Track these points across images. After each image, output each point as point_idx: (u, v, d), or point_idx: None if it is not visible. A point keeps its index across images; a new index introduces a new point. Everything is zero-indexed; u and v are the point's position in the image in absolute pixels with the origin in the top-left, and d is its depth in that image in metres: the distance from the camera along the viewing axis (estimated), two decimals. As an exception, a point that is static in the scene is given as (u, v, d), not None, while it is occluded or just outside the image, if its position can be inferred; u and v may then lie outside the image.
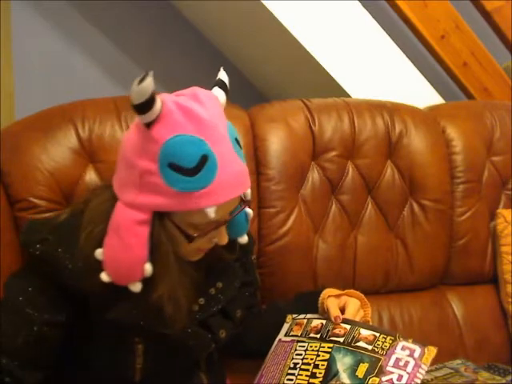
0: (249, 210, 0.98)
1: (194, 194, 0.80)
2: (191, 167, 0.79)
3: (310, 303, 1.09)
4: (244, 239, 1.00)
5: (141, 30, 2.20)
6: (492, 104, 1.66)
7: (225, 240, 0.90)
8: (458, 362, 1.35)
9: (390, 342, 0.95)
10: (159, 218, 0.84)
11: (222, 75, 0.92)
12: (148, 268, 0.85)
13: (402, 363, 0.91)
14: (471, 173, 1.50)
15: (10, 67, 1.97)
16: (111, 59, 2.18)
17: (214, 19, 2.07)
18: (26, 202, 1.13)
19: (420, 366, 0.91)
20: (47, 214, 1.11)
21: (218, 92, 0.89)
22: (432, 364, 1.29)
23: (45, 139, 1.16)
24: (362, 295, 1.07)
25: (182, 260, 0.89)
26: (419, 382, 0.89)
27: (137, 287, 0.86)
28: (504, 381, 1.27)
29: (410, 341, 0.95)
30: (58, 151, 1.17)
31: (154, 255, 0.85)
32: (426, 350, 0.93)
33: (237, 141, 0.87)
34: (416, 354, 0.92)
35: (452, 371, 1.29)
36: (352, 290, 1.07)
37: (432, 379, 1.24)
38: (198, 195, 0.80)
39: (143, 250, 0.84)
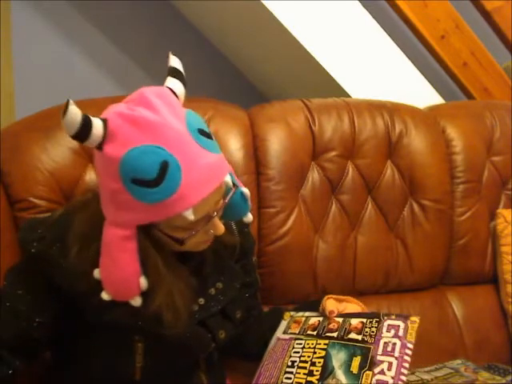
0: (244, 190, 0.95)
1: (166, 202, 0.77)
2: (153, 178, 0.76)
3: (312, 309, 1.09)
4: (248, 218, 0.98)
5: (141, 30, 2.20)
6: (492, 104, 1.66)
7: (220, 230, 0.88)
8: (458, 362, 1.35)
9: (376, 324, 0.96)
10: (144, 230, 0.83)
11: (174, 62, 0.86)
12: (143, 282, 0.84)
13: (389, 348, 0.92)
14: (471, 173, 1.50)
15: (10, 67, 1.96)
16: (111, 59, 2.18)
17: (214, 19, 2.07)
18: (26, 202, 1.13)
19: (406, 346, 0.92)
20: (46, 214, 1.11)
21: (171, 83, 0.84)
22: (432, 364, 1.31)
23: (45, 139, 1.17)
24: (362, 305, 1.07)
25: (175, 266, 0.88)
26: (407, 365, 0.90)
27: (137, 302, 0.86)
28: (504, 381, 1.27)
29: (393, 316, 0.97)
30: (58, 151, 1.17)
31: (144, 268, 0.85)
32: (408, 323, 0.94)
33: (201, 131, 0.81)
34: (401, 332, 0.93)
35: (452, 371, 1.29)
36: (352, 298, 1.08)
37: (432, 379, 1.24)
38: (170, 202, 0.78)
39: (135, 264, 0.83)
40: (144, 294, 0.86)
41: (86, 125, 0.75)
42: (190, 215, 0.79)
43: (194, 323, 0.96)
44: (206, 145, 0.81)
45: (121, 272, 0.84)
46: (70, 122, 0.74)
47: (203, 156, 0.80)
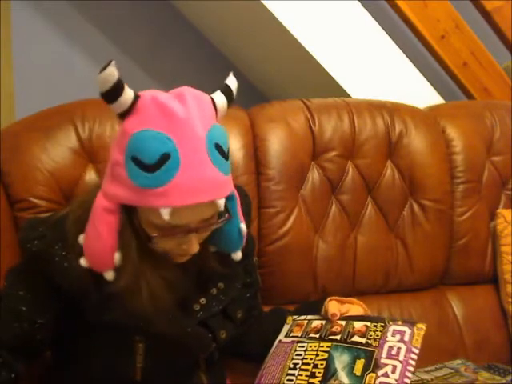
0: (242, 226, 0.94)
1: (151, 191, 0.78)
2: (151, 164, 0.77)
3: (313, 310, 1.09)
4: (237, 256, 0.97)
5: (141, 30, 2.20)
6: (492, 104, 1.66)
7: (193, 250, 0.86)
8: (458, 362, 1.35)
9: (381, 328, 0.95)
10: (126, 210, 0.84)
11: (230, 80, 0.90)
12: (117, 257, 0.85)
13: (394, 352, 0.91)
14: (471, 173, 1.50)
15: (10, 67, 1.97)
16: (111, 59, 2.17)
17: (214, 19, 2.07)
18: (26, 202, 1.13)
19: (411, 351, 0.91)
20: (47, 214, 1.11)
21: (217, 96, 0.86)
22: (432, 364, 1.31)
23: (45, 139, 1.16)
24: (365, 306, 1.06)
25: (154, 257, 0.87)
26: (412, 369, 0.89)
27: (109, 275, 0.86)
28: (504, 381, 1.27)
29: (400, 322, 0.96)
30: (58, 151, 1.17)
31: (120, 246, 0.85)
32: (415, 329, 0.94)
33: (218, 146, 0.81)
34: (406, 337, 0.93)
35: (452, 371, 1.29)
36: (355, 300, 1.07)
37: (432, 379, 1.24)
38: (154, 193, 0.78)
39: (112, 239, 0.84)
40: (117, 274, 0.86)
41: (118, 88, 0.77)
42: (166, 215, 0.79)
43: (195, 323, 0.96)
44: (215, 160, 0.81)
45: (98, 242, 0.84)
46: (104, 79, 0.76)
47: (206, 167, 0.80)
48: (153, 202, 0.79)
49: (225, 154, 0.83)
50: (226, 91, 0.88)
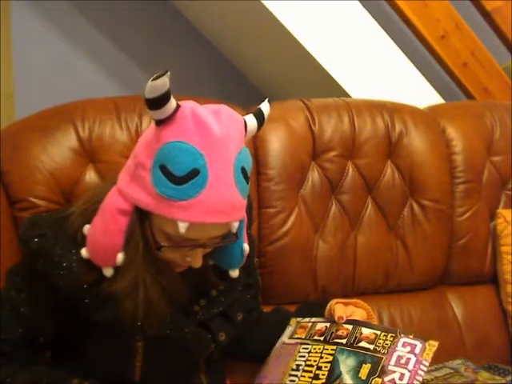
0: (245, 246, 0.96)
1: (173, 202, 0.79)
2: (179, 176, 0.78)
3: (315, 311, 1.08)
4: (235, 273, 0.98)
5: (141, 30, 2.20)
6: (492, 104, 1.66)
7: (197, 263, 0.88)
8: (458, 362, 1.35)
9: (391, 339, 0.94)
10: (139, 213, 0.84)
11: (263, 106, 0.92)
12: (120, 257, 0.85)
13: (403, 361, 0.90)
14: (471, 173, 1.50)
15: (9, 67, 1.97)
16: (111, 59, 2.18)
17: (214, 19, 2.07)
18: (25, 202, 1.13)
19: (421, 363, 0.90)
20: (49, 213, 1.11)
21: (249, 118, 0.89)
22: (432, 364, 1.30)
23: (45, 139, 1.16)
24: (369, 308, 1.06)
25: (158, 262, 0.87)
26: (421, 379, 0.89)
27: (108, 272, 0.87)
28: (504, 381, 1.27)
29: (411, 336, 0.94)
30: (57, 151, 1.17)
31: (126, 247, 0.85)
32: (427, 344, 0.93)
33: (244, 170, 0.84)
34: (417, 350, 0.92)
35: (452, 371, 1.29)
36: (360, 301, 1.07)
37: (432, 379, 1.24)
38: (175, 205, 0.79)
39: (119, 238, 0.84)
40: (116, 272, 0.86)
41: (167, 98, 0.77)
42: (183, 228, 0.80)
43: (194, 324, 0.96)
44: (239, 183, 0.83)
45: (104, 238, 0.85)
46: (157, 86, 0.76)
47: (230, 190, 0.81)
48: (173, 214, 0.80)
49: (247, 178, 0.85)
50: (258, 115, 0.90)
